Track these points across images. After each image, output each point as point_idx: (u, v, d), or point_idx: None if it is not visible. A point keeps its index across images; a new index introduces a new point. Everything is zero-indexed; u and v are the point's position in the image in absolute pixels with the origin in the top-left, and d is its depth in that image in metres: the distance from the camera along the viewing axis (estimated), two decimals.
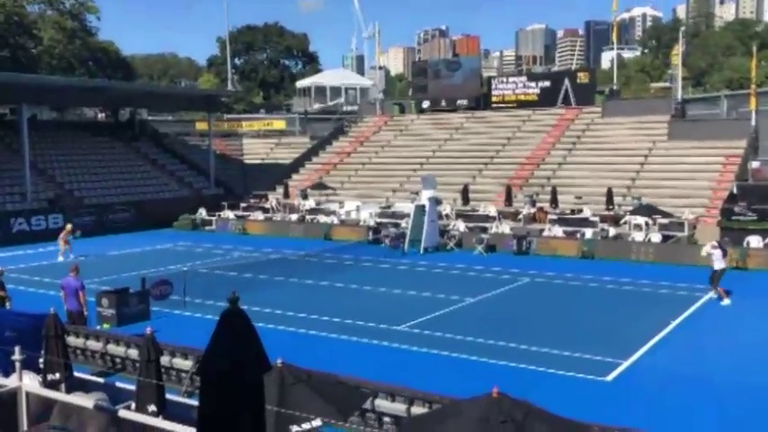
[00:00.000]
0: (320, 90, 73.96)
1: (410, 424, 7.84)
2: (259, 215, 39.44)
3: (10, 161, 39.34)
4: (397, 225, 32.79)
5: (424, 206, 29.77)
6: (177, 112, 59.53)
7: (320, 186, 42.19)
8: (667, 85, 64.81)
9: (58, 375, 10.72)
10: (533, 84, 48.43)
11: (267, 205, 41.18)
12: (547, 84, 47.91)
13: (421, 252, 28.92)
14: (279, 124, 59.79)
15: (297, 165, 48.72)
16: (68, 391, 10.15)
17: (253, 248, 30.90)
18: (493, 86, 49.94)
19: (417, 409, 10.68)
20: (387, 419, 11.20)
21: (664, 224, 29.22)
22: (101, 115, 54.65)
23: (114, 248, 31.20)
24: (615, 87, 52.23)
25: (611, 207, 32.80)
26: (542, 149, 41.39)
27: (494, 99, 49.06)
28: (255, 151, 55.55)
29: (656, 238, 28.57)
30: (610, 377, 13.59)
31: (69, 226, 30.20)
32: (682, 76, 47.80)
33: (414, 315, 18.33)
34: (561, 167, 39.12)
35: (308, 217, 37.89)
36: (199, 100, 52.52)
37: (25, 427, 8.12)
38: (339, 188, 42.87)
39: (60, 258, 28.14)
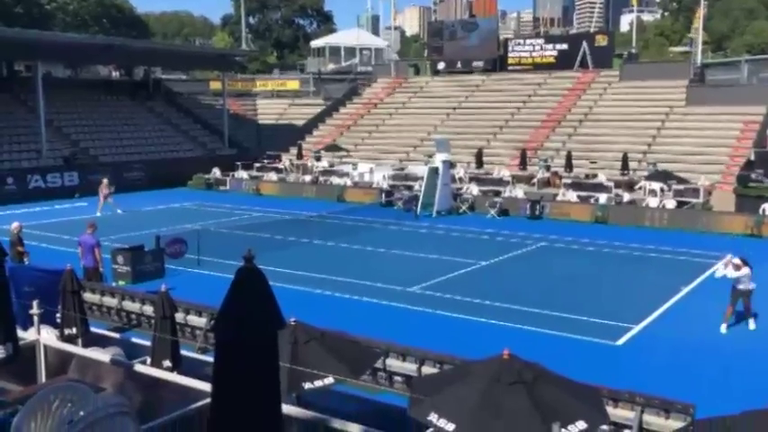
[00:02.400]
0: (334, 50, 73.16)
1: (421, 383, 7.93)
2: (272, 176, 39.48)
3: (25, 118, 39.49)
4: (410, 188, 32.75)
5: (437, 169, 29.66)
6: (191, 71, 59.24)
7: (333, 148, 42.08)
8: (687, 49, 63.63)
9: (74, 330, 10.92)
10: (551, 46, 47.73)
11: (281, 166, 41.19)
12: (564, 46, 47.21)
13: (433, 215, 28.91)
14: (293, 84, 59.41)
15: (310, 126, 48.55)
16: (85, 345, 10.34)
17: (266, 209, 30.99)
18: (509, 48, 49.26)
19: (428, 369, 10.82)
20: (398, 378, 11.35)
21: (679, 190, 29.00)
22: (115, 74, 54.54)
23: (129, 206, 31.39)
24: (634, 51, 51.46)
25: (626, 172, 32.56)
26: (558, 113, 40.97)
27: (510, 61, 48.43)
28: (269, 111, 55.35)
29: (670, 204, 28.40)
30: (620, 341, 13.66)
31: (106, 180, 30.91)
32: (702, 41, 46.96)
33: (425, 277, 18.42)
34: (577, 131, 38.76)
35: (321, 178, 37.90)
36: (213, 59, 52.17)
37: (43, 380, 8.28)
38: (352, 150, 42.75)
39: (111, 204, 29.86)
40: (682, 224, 26.42)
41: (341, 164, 40.29)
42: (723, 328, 14.35)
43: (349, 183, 36.23)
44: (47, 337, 9.19)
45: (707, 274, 19.23)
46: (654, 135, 36.24)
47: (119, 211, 29.86)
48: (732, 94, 36.61)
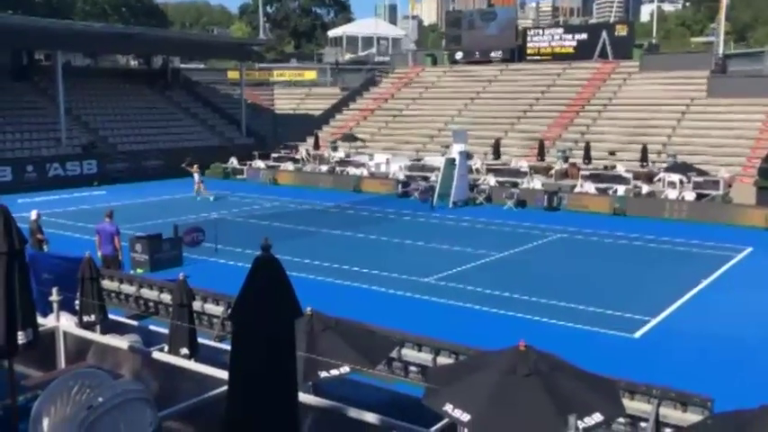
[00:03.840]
0: (352, 40, 73.16)
1: (436, 373, 7.93)
2: (289, 166, 39.55)
3: (45, 107, 39.83)
4: (426, 178, 32.67)
5: (454, 160, 29.57)
6: (209, 60, 59.44)
7: (350, 138, 42.06)
8: (709, 39, 62.85)
9: (93, 317, 10.99)
10: (570, 36, 47.31)
11: (297, 156, 41.24)
12: (584, 36, 46.78)
13: (450, 206, 28.84)
14: (310, 74, 59.42)
15: (327, 116, 48.56)
16: (103, 332, 10.42)
17: (283, 198, 31.10)
18: (528, 38, 48.90)
19: (443, 360, 10.81)
20: (413, 368, 11.36)
21: (698, 182, 28.70)
22: (133, 63, 54.82)
23: (147, 195, 31.62)
24: (654, 41, 50.93)
25: (645, 164, 32.27)
26: (577, 104, 40.66)
27: (529, 51, 48.09)
28: (286, 101, 55.43)
29: (689, 196, 28.13)
30: (638, 334, 13.57)
31: (195, 164, 31.68)
32: (724, 31, 46.31)
33: (441, 268, 18.39)
34: (596, 122, 38.46)
35: (337, 168, 37.90)
36: (230, 48, 52.32)
37: (63, 366, 8.37)
38: (369, 140, 42.71)
39: (206, 195, 30.63)
40: (701, 216, 26.16)
41: (357, 154, 40.27)
42: None
43: (365, 173, 36.22)
44: (66, 323, 9.27)
45: (727, 266, 19.07)
46: (674, 126, 35.88)
47: (211, 198, 30.31)
48: (754, 85, 36.12)
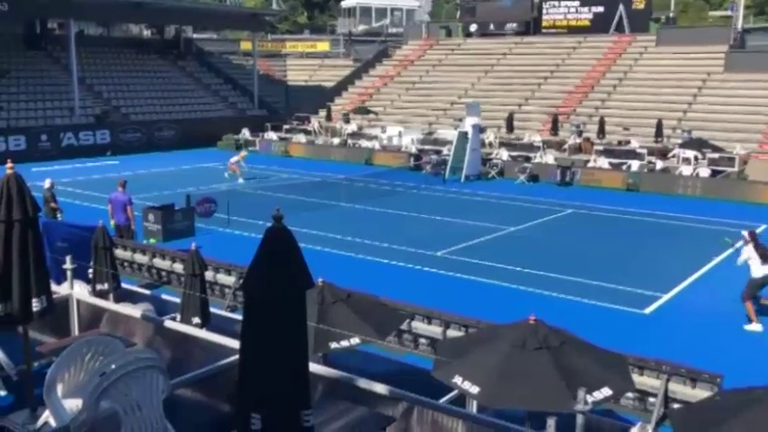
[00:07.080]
0: (365, 11, 72.29)
1: (446, 346, 7.96)
2: (301, 137, 39.48)
3: (58, 76, 39.84)
4: (438, 152, 32.54)
5: (466, 133, 29.40)
6: (222, 30, 59.13)
7: (362, 110, 41.86)
8: (728, 13, 61.70)
9: (106, 285, 11.10)
10: (586, 9, 46.56)
11: (309, 128, 41.15)
12: (600, 9, 46.02)
13: (462, 180, 28.75)
14: (323, 46, 59.02)
15: (340, 88, 48.29)
16: (116, 301, 10.53)
17: (295, 170, 31.10)
18: (544, 11, 48.14)
19: (453, 333, 10.86)
20: (423, 341, 11.43)
21: (713, 159, 28.41)
22: (146, 33, 54.61)
23: (159, 165, 31.70)
24: (672, 15, 50.02)
25: (659, 139, 31.97)
26: (592, 78, 40.22)
27: (544, 24, 47.43)
28: (299, 73, 55.16)
29: (704, 172, 27.86)
30: (648, 310, 13.57)
31: (244, 153, 30.18)
32: (744, 4, 45.46)
33: (452, 241, 18.40)
34: (611, 97, 38.05)
35: (349, 141, 37.80)
36: (244, 18, 51.94)
37: (77, 332, 8.48)
38: (381, 113, 42.49)
39: (240, 180, 28.10)
40: (715, 193, 25.96)
41: (370, 127, 40.11)
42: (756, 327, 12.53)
43: (377, 146, 36.10)
44: (80, 291, 9.37)
45: (740, 244, 18.90)
46: (690, 102, 35.45)
47: (240, 180, 28.02)
48: None
